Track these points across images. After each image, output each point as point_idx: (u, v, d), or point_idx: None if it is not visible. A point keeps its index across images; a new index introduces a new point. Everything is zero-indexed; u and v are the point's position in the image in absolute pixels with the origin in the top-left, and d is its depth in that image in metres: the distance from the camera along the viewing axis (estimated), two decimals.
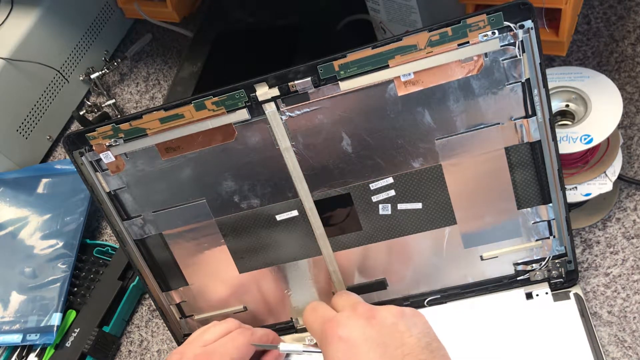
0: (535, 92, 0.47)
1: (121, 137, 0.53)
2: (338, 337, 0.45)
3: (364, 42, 0.47)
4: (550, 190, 0.51)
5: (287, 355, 0.58)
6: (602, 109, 0.53)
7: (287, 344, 0.53)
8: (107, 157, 0.54)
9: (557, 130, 0.50)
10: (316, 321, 0.50)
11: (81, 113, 0.86)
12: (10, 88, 0.81)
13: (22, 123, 0.83)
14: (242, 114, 0.51)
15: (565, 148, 0.53)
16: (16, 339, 0.67)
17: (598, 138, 0.52)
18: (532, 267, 0.55)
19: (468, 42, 0.46)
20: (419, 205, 0.53)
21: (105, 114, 0.86)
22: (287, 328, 0.60)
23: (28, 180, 0.79)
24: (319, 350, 0.50)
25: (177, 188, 0.55)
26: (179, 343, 0.62)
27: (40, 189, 0.78)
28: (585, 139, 0.52)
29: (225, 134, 0.52)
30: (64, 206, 0.75)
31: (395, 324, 0.45)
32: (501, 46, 0.46)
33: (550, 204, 0.52)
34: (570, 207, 0.57)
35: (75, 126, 0.89)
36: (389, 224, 0.54)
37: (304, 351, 0.52)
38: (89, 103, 0.90)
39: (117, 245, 0.72)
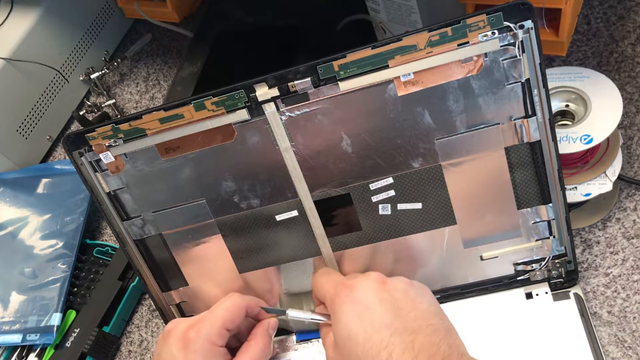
0: (535, 92, 0.47)
1: (121, 138, 0.53)
2: (352, 299, 0.46)
3: (364, 42, 0.47)
4: (550, 190, 0.51)
5: (281, 350, 0.58)
6: (602, 109, 0.53)
7: (295, 310, 0.53)
8: (107, 158, 0.54)
9: (557, 130, 0.50)
10: (328, 283, 0.50)
11: (81, 113, 0.86)
12: (10, 88, 0.81)
13: (22, 123, 0.83)
14: (242, 114, 0.51)
15: (565, 148, 0.53)
16: (16, 339, 0.67)
17: (598, 138, 0.52)
18: (532, 267, 0.55)
19: (468, 42, 0.46)
20: (418, 206, 0.53)
21: (105, 114, 0.86)
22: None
23: (28, 180, 0.79)
24: (323, 319, 0.51)
25: (176, 188, 0.55)
26: None
27: (40, 189, 0.78)
28: (585, 139, 0.52)
29: (225, 134, 0.52)
30: (64, 206, 0.75)
31: (407, 290, 0.47)
32: (501, 46, 0.46)
33: (550, 204, 0.52)
34: (570, 207, 0.57)
35: (75, 126, 0.89)
36: (389, 224, 0.54)
37: (311, 319, 0.52)
38: (89, 103, 0.90)
39: (117, 246, 0.72)
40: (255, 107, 0.51)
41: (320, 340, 0.57)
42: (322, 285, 0.51)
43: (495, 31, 0.46)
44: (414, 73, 0.48)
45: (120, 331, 0.68)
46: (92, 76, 0.90)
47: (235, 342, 0.55)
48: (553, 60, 0.69)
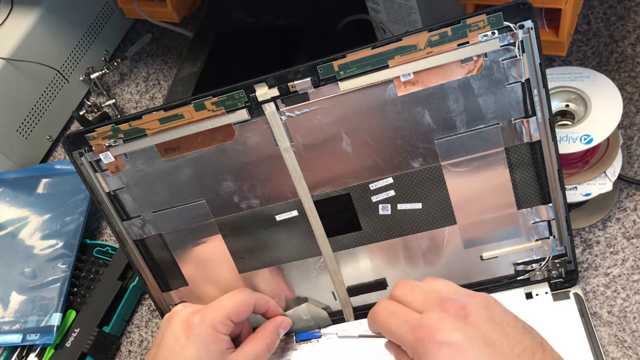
0: (535, 92, 0.47)
1: (121, 138, 0.53)
2: (438, 343, 0.41)
3: (364, 42, 0.47)
4: (550, 190, 0.51)
5: (281, 350, 0.58)
6: (602, 109, 0.53)
7: (344, 332, 0.55)
8: (107, 158, 0.54)
9: (557, 130, 0.50)
10: (401, 328, 0.44)
11: (81, 113, 0.86)
12: (10, 88, 0.81)
13: (22, 123, 0.83)
14: (242, 114, 0.51)
15: (565, 148, 0.53)
16: (16, 339, 0.67)
17: (598, 138, 0.52)
18: (532, 267, 0.55)
19: (468, 42, 0.46)
20: (418, 206, 0.53)
21: (105, 114, 0.86)
22: None
23: (28, 180, 0.79)
24: (373, 335, 0.49)
25: (176, 188, 0.55)
26: None
27: (40, 189, 0.78)
28: (585, 139, 0.52)
29: (225, 134, 0.52)
30: (64, 206, 0.75)
31: (491, 317, 0.43)
32: (501, 46, 0.46)
33: (550, 204, 0.52)
34: (570, 207, 0.57)
35: (75, 126, 0.89)
36: (389, 224, 0.54)
37: (359, 335, 0.52)
38: (89, 103, 0.90)
39: (117, 246, 0.72)
40: (255, 107, 0.51)
41: (319, 340, 0.58)
42: (394, 330, 0.45)
43: (495, 31, 0.46)
44: (414, 73, 0.48)
45: (120, 331, 0.68)
46: (92, 76, 0.90)
47: (238, 334, 0.55)
48: (553, 60, 0.69)
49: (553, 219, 0.52)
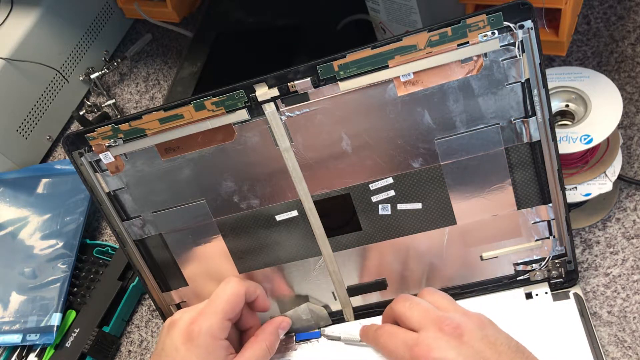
0: (535, 92, 0.47)
1: (121, 138, 0.53)
2: None
3: (364, 42, 0.47)
4: (550, 190, 0.51)
5: (281, 350, 0.58)
6: (602, 109, 0.53)
7: (347, 334, 0.55)
8: (107, 158, 0.54)
9: (557, 130, 0.50)
10: (399, 347, 0.48)
11: (81, 113, 0.86)
12: (10, 88, 0.81)
13: (22, 123, 0.83)
14: (242, 114, 0.51)
15: (565, 148, 0.53)
16: (16, 339, 0.67)
17: (598, 138, 0.52)
18: (532, 267, 0.55)
19: (468, 42, 0.46)
20: (418, 206, 0.53)
21: (105, 114, 0.86)
22: None
23: (28, 180, 0.79)
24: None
25: (176, 188, 0.55)
26: None
27: (40, 189, 0.78)
28: (585, 139, 0.52)
29: (225, 134, 0.52)
30: (64, 206, 0.75)
31: (486, 336, 0.45)
32: (501, 46, 0.46)
33: (550, 204, 0.52)
34: (570, 207, 0.57)
35: (75, 126, 0.90)
36: (389, 224, 0.54)
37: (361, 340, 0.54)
38: (88, 103, 0.90)
39: (117, 246, 0.72)
40: (255, 107, 0.51)
41: (319, 340, 0.58)
42: (392, 350, 0.48)
43: (495, 31, 0.46)
44: (414, 73, 0.48)
45: (120, 331, 0.68)
46: (92, 76, 0.90)
47: (234, 332, 0.55)
48: (553, 60, 0.69)
49: (553, 219, 0.52)
